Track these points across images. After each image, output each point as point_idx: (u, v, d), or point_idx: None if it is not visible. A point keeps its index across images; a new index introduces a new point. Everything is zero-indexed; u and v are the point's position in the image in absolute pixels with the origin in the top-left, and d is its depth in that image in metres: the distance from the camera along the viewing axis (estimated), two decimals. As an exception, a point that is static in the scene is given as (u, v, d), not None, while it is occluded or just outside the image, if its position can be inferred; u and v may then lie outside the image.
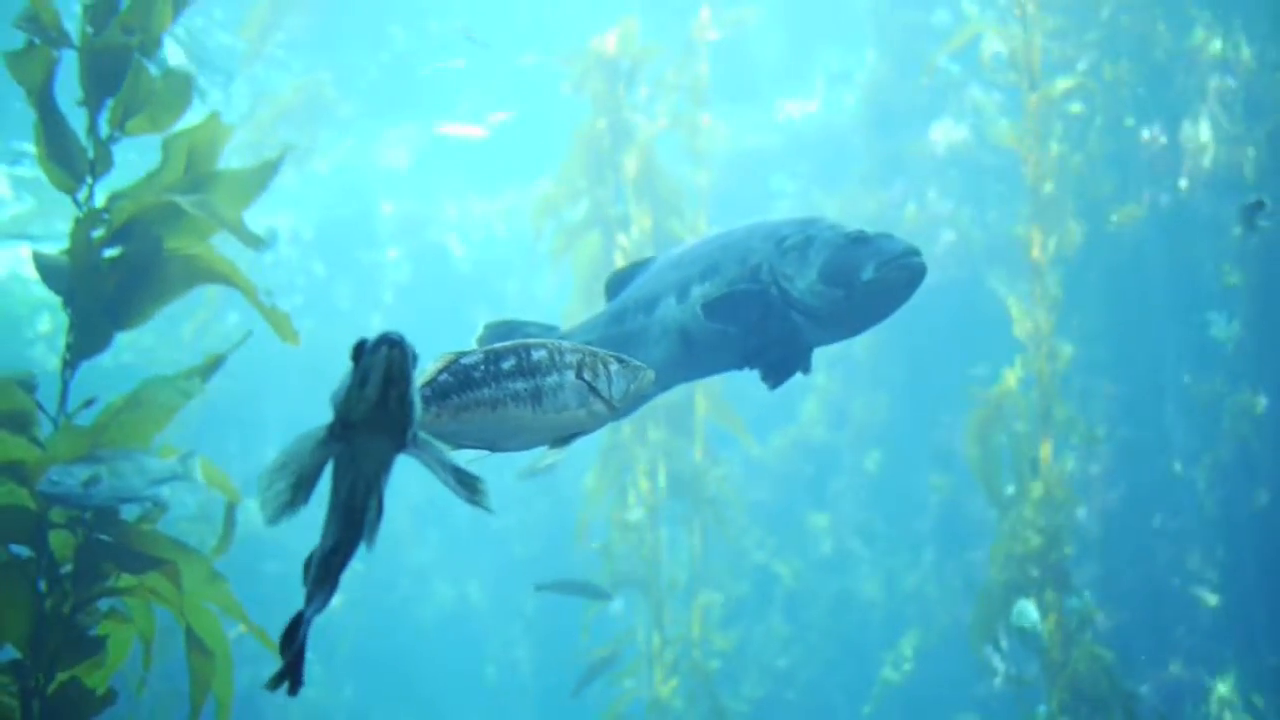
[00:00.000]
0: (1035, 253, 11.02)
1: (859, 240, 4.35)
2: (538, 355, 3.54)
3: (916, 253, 4.30)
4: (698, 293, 4.59)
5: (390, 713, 18.63)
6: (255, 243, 6.10)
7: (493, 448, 3.61)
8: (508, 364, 3.51)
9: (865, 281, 4.29)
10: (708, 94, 13.20)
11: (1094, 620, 10.81)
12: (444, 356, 3.51)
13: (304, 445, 2.52)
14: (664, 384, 4.76)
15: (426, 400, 3.41)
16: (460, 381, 3.46)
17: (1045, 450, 10.86)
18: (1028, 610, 10.49)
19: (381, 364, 2.38)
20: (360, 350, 2.41)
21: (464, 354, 3.52)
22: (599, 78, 12.78)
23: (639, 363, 3.70)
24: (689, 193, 12.95)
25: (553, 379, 3.54)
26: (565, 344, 3.65)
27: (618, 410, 3.65)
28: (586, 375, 3.57)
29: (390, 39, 20.48)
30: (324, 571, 2.59)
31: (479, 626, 19.58)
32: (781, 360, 4.57)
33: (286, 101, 17.95)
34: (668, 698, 12.05)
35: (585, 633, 12.19)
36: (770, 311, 4.48)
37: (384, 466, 2.53)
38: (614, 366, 3.62)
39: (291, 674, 2.57)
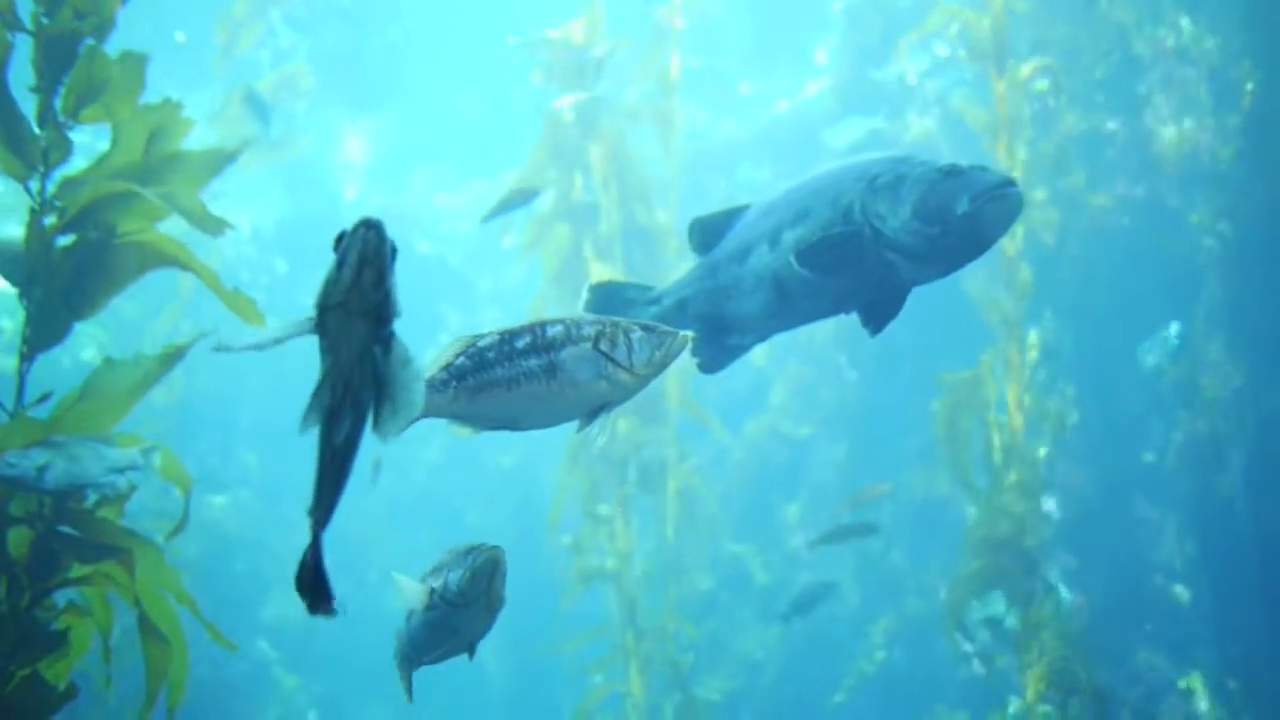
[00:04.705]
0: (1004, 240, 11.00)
1: (952, 174, 4.21)
2: (553, 331, 3.60)
3: (1012, 183, 4.17)
4: (789, 238, 4.46)
5: (361, 707, 18.51)
6: (216, 227, 5.98)
7: (514, 426, 3.67)
8: (522, 342, 3.58)
9: (960, 216, 4.13)
10: (677, 81, 13.09)
11: (1065, 607, 10.81)
12: (461, 340, 3.59)
13: (284, 328, 2.51)
14: (761, 334, 4.74)
15: (443, 384, 3.50)
16: (475, 363, 3.54)
17: (1017, 438, 10.84)
18: (996, 601, 10.49)
19: (358, 244, 2.38)
20: (340, 239, 2.42)
21: (480, 336, 3.59)
22: (567, 66, 12.64)
23: (669, 329, 3.70)
24: (658, 182, 12.86)
25: (567, 352, 3.57)
26: (587, 317, 3.70)
27: (643, 377, 3.65)
28: (603, 346, 3.58)
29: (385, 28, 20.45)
30: (319, 483, 2.53)
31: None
32: (879, 303, 4.45)
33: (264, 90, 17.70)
34: (641, 691, 11.99)
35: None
36: (864, 253, 4.33)
37: (360, 357, 2.47)
38: (636, 334, 3.63)
39: (317, 598, 2.55)
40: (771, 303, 4.56)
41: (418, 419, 2.63)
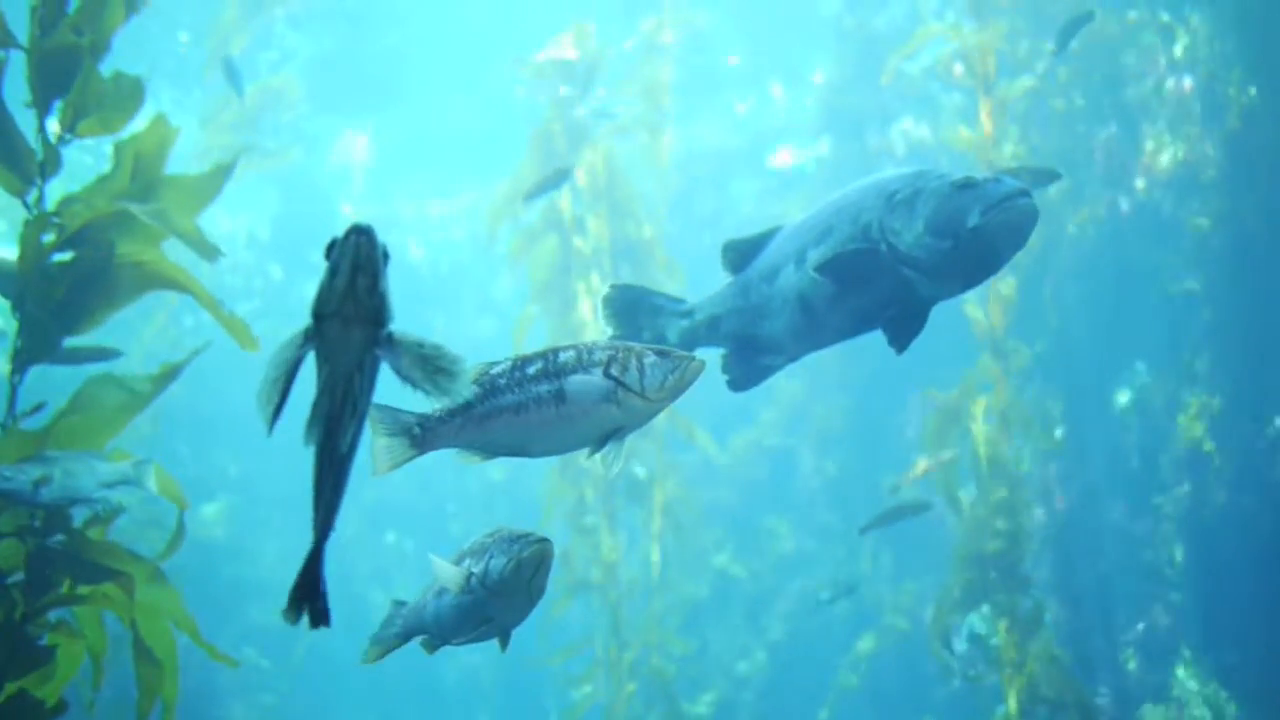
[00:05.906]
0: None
1: (965, 187, 4.17)
2: (564, 357, 3.61)
3: (1025, 194, 4.11)
4: (813, 257, 4.47)
5: (345, 711, 18.49)
6: (211, 253, 6.00)
7: (524, 453, 3.65)
8: (533, 368, 3.59)
9: (971, 229, 4.09)
10: (666, 97, 13.09)
11: (1045, 620, 10.80)
12: (475, 367, 3.55)
13: (284, 349, 2.49)
14: (791, 355, 4.73)
15: (453, 412, 3.50)
16: (485, 391, 3.54)
17: (1003, 452, 10.86)
18: (982, 616, 10.50)
19: (350, 251, 2.37)
20: (332, 246, 2.41)
21: (493, 364, 3.60)
22: (555, 80, 12.64)
23: (684, 353, 3.69)
24: (647, 196, 12.85)
25: (577, 378, 3.58)
26: (600, 343, 3.69)
27: (657, 402, 3.64)
28: (614, 371, 3.58)
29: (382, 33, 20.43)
30: (318, 493, 2.54)
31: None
32: (901, 320, 4.43)
33: (250, 103, 17.62)
34: (625, 702, 11.99)
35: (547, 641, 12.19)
36: (882, 270, 4.32)
37: (358, 364, 2.46)
38: (649, 359, 3.63)
39: (313, 607, 2.56)
40: (798, 322, 4.57)
41: (458, 398, 2.61)
